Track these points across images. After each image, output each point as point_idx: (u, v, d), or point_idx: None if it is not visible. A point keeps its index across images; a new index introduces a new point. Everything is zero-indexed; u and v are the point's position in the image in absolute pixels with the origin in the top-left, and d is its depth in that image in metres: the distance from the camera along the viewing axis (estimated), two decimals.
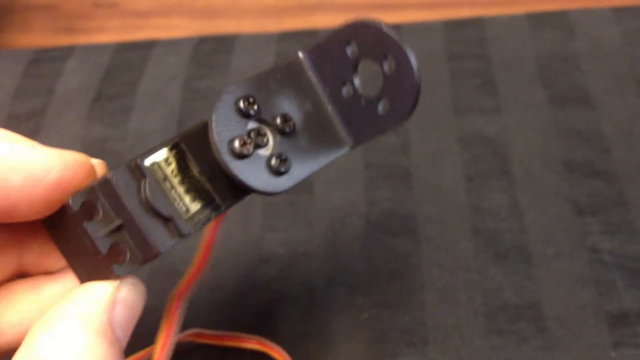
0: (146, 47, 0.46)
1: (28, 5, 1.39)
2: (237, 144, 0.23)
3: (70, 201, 0.22)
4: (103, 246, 0.22)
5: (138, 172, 0.22)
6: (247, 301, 0.34)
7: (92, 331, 0.21)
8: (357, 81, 0.25)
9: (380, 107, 0.25)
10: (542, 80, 0.42)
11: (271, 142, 0.24)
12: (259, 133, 0.24)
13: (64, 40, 1.34)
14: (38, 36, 1.35)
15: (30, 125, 0.41)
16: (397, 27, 0.47)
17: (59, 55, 0.45)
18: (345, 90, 0.25)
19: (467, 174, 0.38)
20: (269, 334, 0.33)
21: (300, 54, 0.26)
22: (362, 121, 0.25)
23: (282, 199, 0.37)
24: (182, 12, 1.37)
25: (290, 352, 0.32)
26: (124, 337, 0.23)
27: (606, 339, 0.32)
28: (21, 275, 0.25)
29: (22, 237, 0.25)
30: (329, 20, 1.33)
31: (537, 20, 0.46)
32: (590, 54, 0.43)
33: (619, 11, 0.46)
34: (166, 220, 0.22)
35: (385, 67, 0.24)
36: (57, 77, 0.44)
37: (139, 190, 0.22)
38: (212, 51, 0.46)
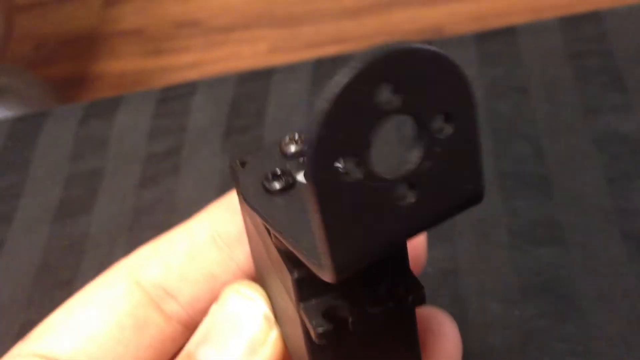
0: (265, 75, 0.47)
1: (115, 32, 1.44)
2: None
3: None
4: None
5: None
6: None
7: None
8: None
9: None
10: None
11: None
12: None
13: (152, 63, 1.38)
14: (126, 61, 1.40)
15: (170, 163, 0.43)
16: (510, 31, 0.46)
17: (184, 92, 0.46)
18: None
19: (608, 176, 0.37)
20: None
21: None
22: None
23: None
24: (262, 23, 1.39)
25: None
26: None
27: None
28: None
29: None
30: (408, 15, 1.33)
31: None
32: None
33: None
34: None
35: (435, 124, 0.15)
36: (186, 114, 0.45)
37: None
38: (330, 73, 0.46)
